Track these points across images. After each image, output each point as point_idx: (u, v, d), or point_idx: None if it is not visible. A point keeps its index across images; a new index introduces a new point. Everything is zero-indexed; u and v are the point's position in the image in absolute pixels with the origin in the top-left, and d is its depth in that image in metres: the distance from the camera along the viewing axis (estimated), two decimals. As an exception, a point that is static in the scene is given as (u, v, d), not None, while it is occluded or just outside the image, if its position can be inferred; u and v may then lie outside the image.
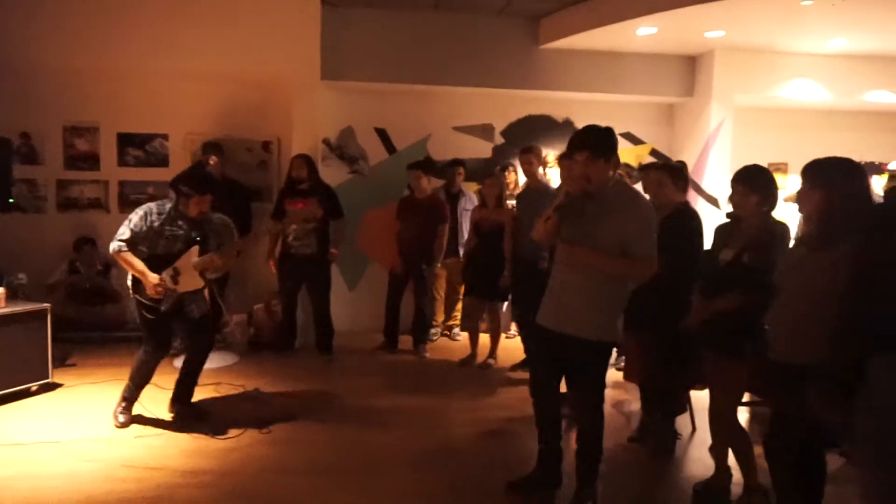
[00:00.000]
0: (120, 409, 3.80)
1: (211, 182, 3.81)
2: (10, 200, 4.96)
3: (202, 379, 4.65)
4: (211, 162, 5.27)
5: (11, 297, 4.27)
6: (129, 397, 3.83)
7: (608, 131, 2.85)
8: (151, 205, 3.72)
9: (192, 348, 3.93)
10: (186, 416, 3.89)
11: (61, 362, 4.73)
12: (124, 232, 3.61)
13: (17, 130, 5.63)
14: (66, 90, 5.73)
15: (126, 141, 5.90)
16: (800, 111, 6.78)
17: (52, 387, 4.37)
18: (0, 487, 3.01)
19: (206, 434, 3.66)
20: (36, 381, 4.24)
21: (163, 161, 5.92)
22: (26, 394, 4.20)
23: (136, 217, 3.64)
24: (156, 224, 3.65)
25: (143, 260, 3.63)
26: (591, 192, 2.81)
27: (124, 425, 3.75)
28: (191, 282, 3.76)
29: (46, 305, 4.27)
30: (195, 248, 3.74)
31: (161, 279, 3.63)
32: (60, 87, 5.70)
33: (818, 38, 5.65)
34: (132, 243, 3.61)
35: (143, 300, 3.66)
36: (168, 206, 3.72)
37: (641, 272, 2.80)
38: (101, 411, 3.91)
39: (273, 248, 5.34)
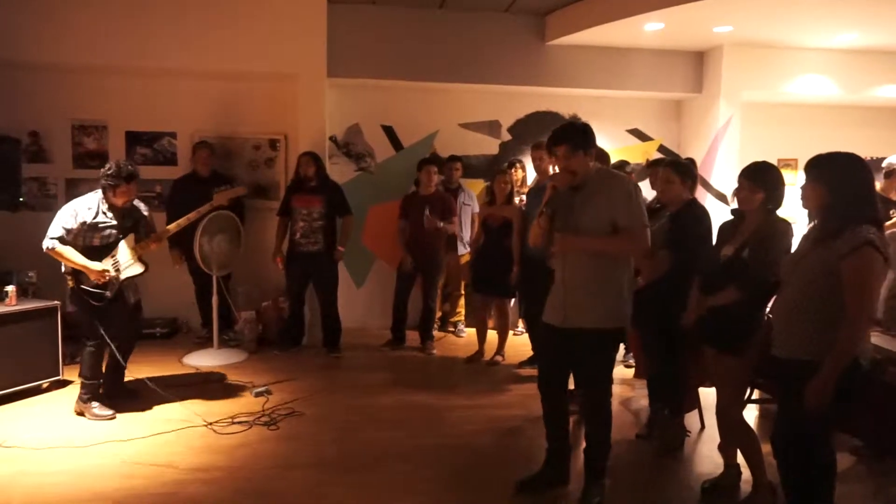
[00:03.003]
0: (95, 407, 3.86)
1: (134, 172, 3.87)
2: (21, 199, 5.01)
3: (212, 375, 4.71)
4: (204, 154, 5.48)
5: (22, 294, 4.32)
6: (93, 394, 3.89)
7: (583, 126, 2.95)
8: (77, 203, 3.81)
9: (127, 334, 4.03)
10: (120, 396, 4.05)
11: (71, 359, 4.75)
12: (56, 230, 3.72)
13: (25, 129, 5.68)
14: (75, 89, 5.76)
15: (134, 139, 5.93)
16: (809, 107, 6.73)
17: (63, 384, 4.41)
18: (10, 484, 3.04)
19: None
20: (46, 378, 4.28)
21: (171, 159, 5.95)
22: (37, 391, 4.24)
23: (65, 216, 3.75)
24: (88, 220, 3.77)
25: (81, 253, 3.75)
26: (576, 185, 2.86)
27: (112, 417, 3.84)
28: (131, 268, 3.92)
29: (56, 303, 4.31)
30: (131, 236, 3.94)
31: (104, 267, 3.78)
32: (68, 85, 5.73)
33: (827, 32, 5.61)
34: (63, 241, 3.71)
35: (89, 288, 3.77)
36: (95, 199, 3.83)
37: (635, 244, 2.83)
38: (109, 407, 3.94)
39: (280, 246, 5.36)
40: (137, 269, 3.97)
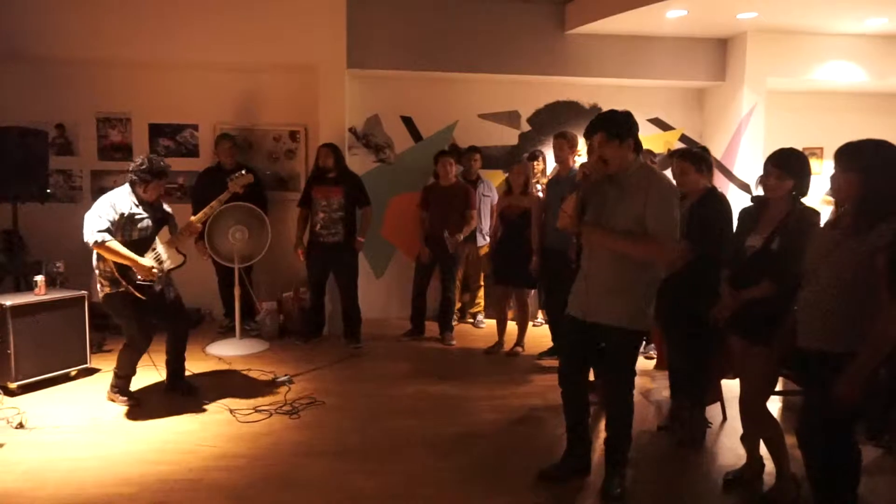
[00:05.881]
0: (123, 397, 3.93)
1: (166, 169, 3.85)
2: (48, 191, 5.10)
3: (235, 364, 4.78)
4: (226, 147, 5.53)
5: (50, 284, 4.40)
6: (122, 387, 3.94)
7: (624, 114, 2.84)
8: (111, 197, 3.76)
9: (174, 329, 4.06)
10: (180, 391, 4.09)
11: (99, 348, 4.87)
12: (101, 223, 3.63)
13: (52, 122, 5.78)
14: (99, 82, 5.84)
15: (157, 131, 6.00)
16: (835, 94, 6.59)
17: (91, 371, 4.50)
18: (42, 468, 3.12)
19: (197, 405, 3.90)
20: (75, 365, 4.37)
21: (192, 151, 6.01)
22: (66, 378, 4.34)
23: (105, 208, 3.68)
24: (126, 211, 3.73)
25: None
26: (611, 175, 2.79)
27: (135, 404, 3.89)
28: (173, 259, 3.95)
29: (84, 292, 4.39)
30: (165, 228, 3.93)
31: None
32: (93, 78, 5.81)
33: (855, 17, 5.47)
34: (111, 234, 3.66)
35: (137, 282, 3.73)
36: (126, 194, 3.79)
37: (659, 252, 2.74)
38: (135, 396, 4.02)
39: (301, 237, 5.40)
40: (178, 260, 3.97)
